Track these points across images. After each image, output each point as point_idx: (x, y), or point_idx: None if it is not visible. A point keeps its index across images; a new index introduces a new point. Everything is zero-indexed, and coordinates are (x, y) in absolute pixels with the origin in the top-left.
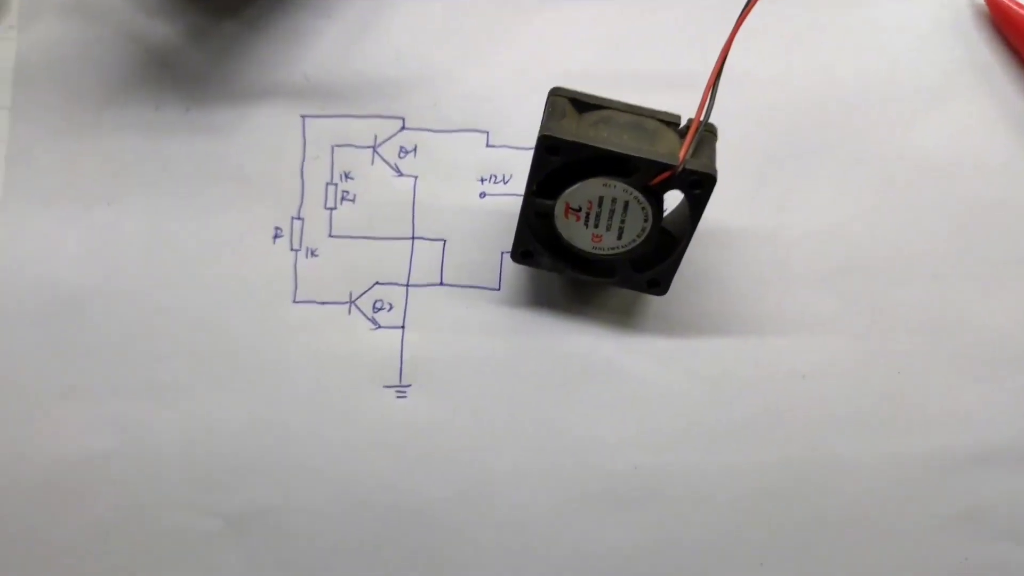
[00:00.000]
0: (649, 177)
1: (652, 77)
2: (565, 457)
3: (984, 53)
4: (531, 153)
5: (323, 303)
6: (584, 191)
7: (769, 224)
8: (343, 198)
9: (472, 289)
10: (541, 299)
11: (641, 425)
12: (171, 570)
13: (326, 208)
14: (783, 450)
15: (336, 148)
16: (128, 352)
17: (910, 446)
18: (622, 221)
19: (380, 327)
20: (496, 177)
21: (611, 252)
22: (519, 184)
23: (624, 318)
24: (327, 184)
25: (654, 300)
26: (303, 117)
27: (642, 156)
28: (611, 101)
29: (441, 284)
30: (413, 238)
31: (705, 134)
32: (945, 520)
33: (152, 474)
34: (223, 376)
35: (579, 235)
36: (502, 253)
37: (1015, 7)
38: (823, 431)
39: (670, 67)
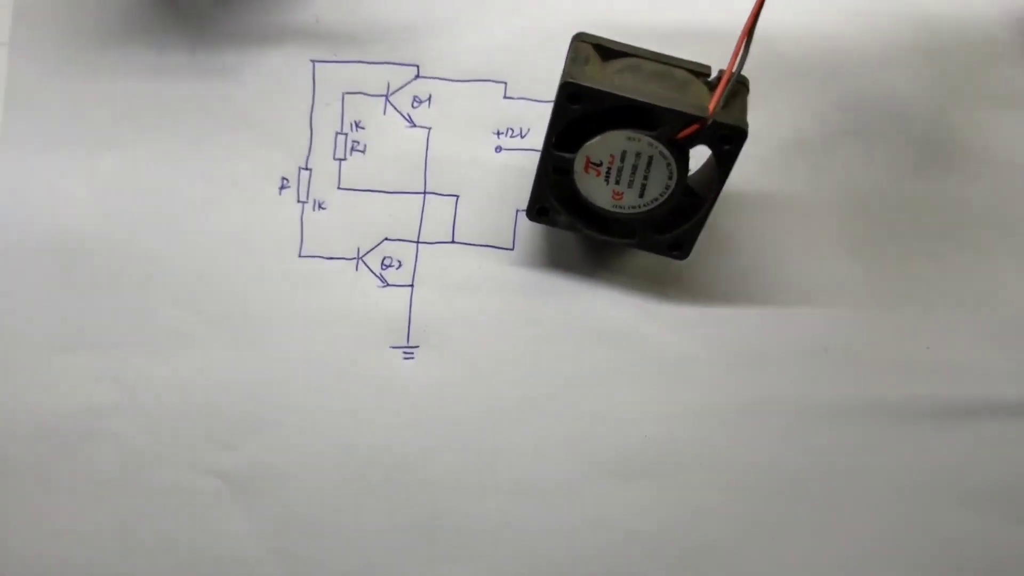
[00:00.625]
0: (676, 130)
1: (681, 27)
2: (575, 425)
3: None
4: (551, 106)
5: (330, 258)
6: (606, 144)
7: (800, 189)
8: (353, 148)
9: (485, 248)
10: (556, 261)
11: (655, 394)
12: (168, 527)
13: (335, 159)
14: (800, 424)
15: (347, 95)
16: (128, 302)
17: (936, 424)
18: (645, 177)
19: (388, 285)
20: (513, 131)
21: (632, 211)
22: (537, 139)
23: (642, 283)
24: (336, 133)
25: (674, 265)
26: (313, 62)
27: (669, 107)
28: (638, 49)
29: (452, 242)
30: (425, 193)
31: (737, 86)
32: (969, 498)
33: (152, 429)
34: (225, 330)
35: (599, 192)
36: (517, 211)
37: None
38: (843, 406)
39: (701, 16)
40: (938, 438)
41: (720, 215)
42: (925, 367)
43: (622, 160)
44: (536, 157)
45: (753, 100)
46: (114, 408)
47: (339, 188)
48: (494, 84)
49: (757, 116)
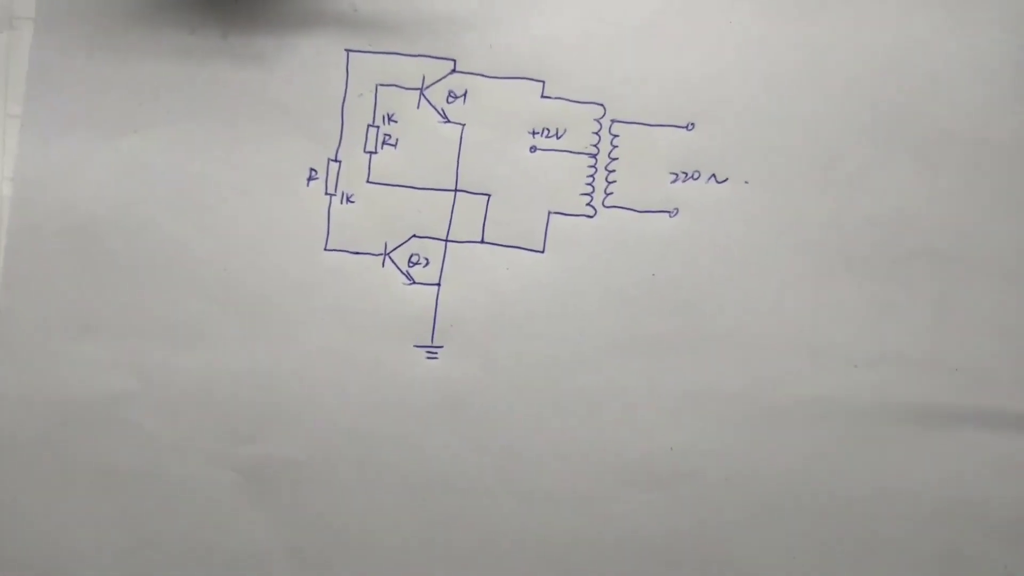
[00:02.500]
0: None
1: (726, 30)
2: (599, 433)
3: None
4: (588, 108)
5: (356, 253)
6: None
7: (836, 205)
8: (384, 142)
9: (514, 249)
10: (586, 265)
11: (681, 405)
12: (183, 518)
13: (365, 151)
14: (826, 447)
15: (380, 87)
16: (149, 289)
17: (968, 442)
18: None
19: (415, 283)
20: (548, 131)
21: None
22: (573, 140)
23: None
24: (368, 126)
25: (703, 271)
26: (348, 51)
27: None
28: None
29: (482, 242)
30: (456, 190)
31: None
32: (996, 526)
33: (169, 419)
34: (246, 321)
35: None
36: (549, 213)
37: None
38: (872, 421)
39: (749, 20)
40: (970, 455)
41: (755, 232)
42: (956, 387)
43: None
44: (570, 158)
45: (792, 115)
46: (132, 396)
47: (368, 182)
48: (532, 83)
49: (796, 133)
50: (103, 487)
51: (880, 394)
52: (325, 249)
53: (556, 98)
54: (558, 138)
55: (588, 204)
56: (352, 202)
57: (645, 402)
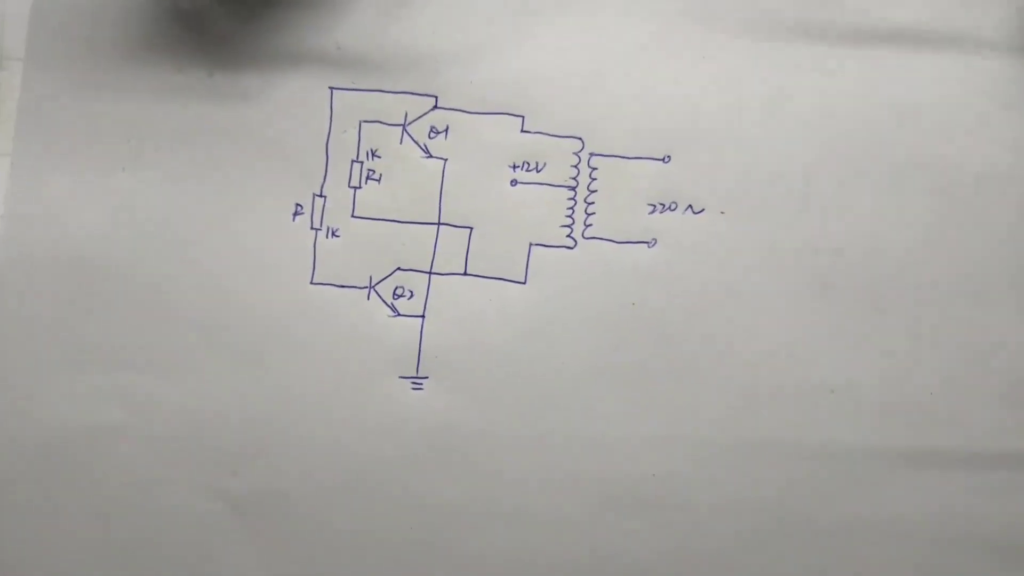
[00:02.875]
0: None
1: (701, 64)
2: (581, 461)
3: None
4: (567, 142)
5: (341, 286)
6: None
7: (810, 232)
8: (368, 177)
9: (497, 281)
10: (567, 295)
11: (662, 431)
12: (172, 552)
13: (350, 186)
14: (807, 465)
15: (364, 124)
16: (137, 323)
17: (942, 470)
18: None
19: (399, 315)
20: (529, 164)
21: None
22: (552, 174)
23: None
24: (353, 161)
25: (682, 300)
26: (332, 89)
27: None
28: None
29: (465, 274)
30: (439, 224)
31: None
32: (976, 548)
33: (158, 451)
34: (235, 354)
35: None
36: (530, 245)
37: None
38: (850, 448)
39: (723, 55)
40: (944, 485)
41: (733, 262)
42: (930, 413)
43: None
44: (551, 191)
45: (765, 151)
46: (120, 428)
47: (353, 216)
48: (512, 117)
49: (769, 167)
50: (91, 516)
51: (858, 420)
52: (311, 283)
53: (536, 132)
54: (538, 171)
55: (568, 236)
56: (337, 236)
57: (627, 429)
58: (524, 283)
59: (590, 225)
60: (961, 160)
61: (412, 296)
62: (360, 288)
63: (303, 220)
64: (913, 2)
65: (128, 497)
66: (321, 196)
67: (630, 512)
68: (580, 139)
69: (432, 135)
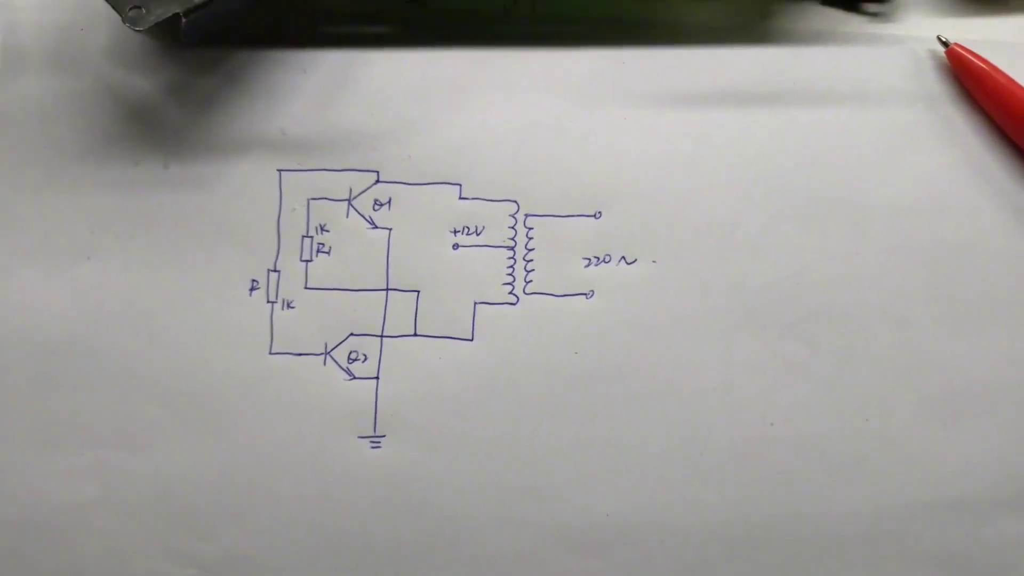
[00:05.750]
0: None
1: (623, 126)
2: (537, 505)
3: (946, 103)
4: (503, 205)
5: (299, 354)
6: None
7: (737, 273)
8: (319, 250)
9: (445, 340)
10: (513, 348)
11: (612, 473)
12: None
13: (302, 260)
14: (753, 498)
15: (312, 201)
16: (106, 401)
17: (880, 494)
18: None
19: (355, 378)
20: (469, 229)
21: None
22: (491, 236)
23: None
24: (303, 237)
25: (622, 346)
26: (280, 171)
27: None
28: None
29: (415, 335)
30: (387, 289)
31: None
32: (916, 570)
33: (131, 522)
34: (200, 426)
35: None
36: (475, 303)
37: (974, 59)
38: (793, 479)
39: (644, 117)
40: (883, 505)
41: (664, 297)
42: (867, 438)
43: None
44: (491, 252)
45: (691, 191)
46: (93, 503)
47: (306, 288)
48: (450, 186)
49: (695, 206)
50: None
51: (797, 449)
52: (270, 352)
53: (473, 199)
54: (478, 235)
55: (510, 292)
56: (292, 308)
57: (579, 471)
58: (471, 340)
59: (530, 281)
60: (873, 197)
61: (366, 359)
62: (316, 355)
63: (259, 295)
64: (819, 61)
65: (104, 568)
66: (275, 271)
67: (589, 552)
68: (515, 202)
69: (376, 207)
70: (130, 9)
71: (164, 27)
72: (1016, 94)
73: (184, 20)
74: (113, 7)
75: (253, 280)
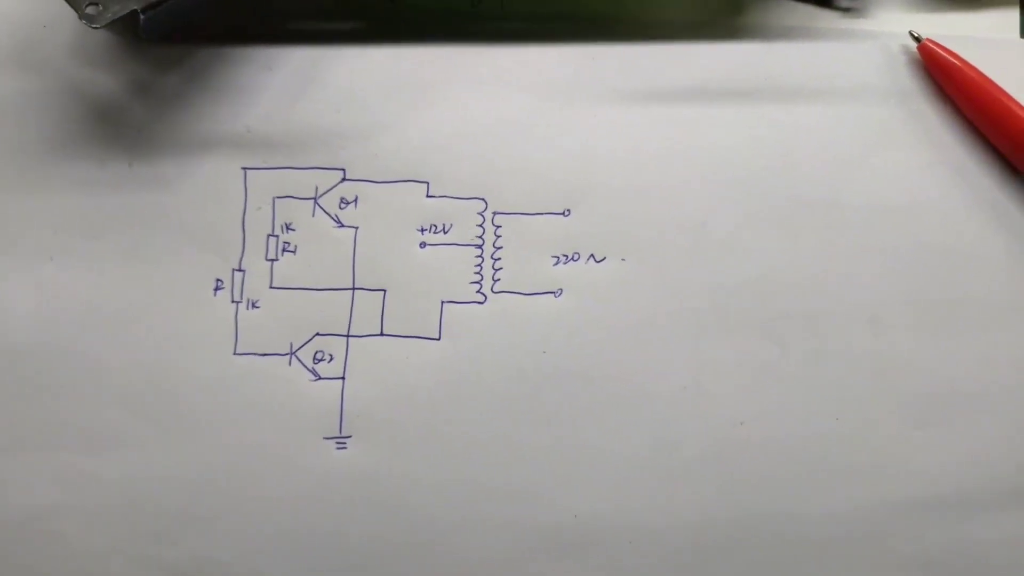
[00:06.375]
0: None
1: (593, 123)
2: (506, 506)
3: (919, 99)
4: (471, 203)
5: (264, 355)
6: None
7: (708, 273)
8: (284, 249)
9: (412, 339)
10: (481, 348)
11: (582, 473)
12: None
13: (267, 259)
14: (723, 498)
15: (277, 200)
16: (69, 404)
17: (852, 494)
18: None
19: (321, 378)
20: (436, 227)
21: None
22: (459, 234)
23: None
24: (268, 236)
25: (591, 345)
26: (244, 169)
27: None
28: None
29: (381, 335)
30: (354, 288)
31: None
32: (889, 571)
33: (95, 527)
34: (164, 428)
35: None
36: (442, 302)
37: (945, 55)
38: (763, 479)
39: (614, 114)
40: (859, 506)
41: (634, 298)
42: (837, 439)
43: None
44: (459, 251)
45: (660, 191)
46: (57, 508)
47: (271, 287)
48: (417, 184)
49: (664, 207)
50: None
51: (767, 450)
52: (234, 353)
53: (440, 196)
54: (445, 233)
55: (478, 291)
56: (257, 307)
57: (547, 472)
58: (439, 339)
59: (498, 280)
60: (845, 195)
61: (332, 359)
62: (282, 355)
63: (224, 295)
64: (790, 57)
65: (69, 574)
66: (240, 270)
67: (558, 554)
68: (483, 200)
69: (342, 206)
70: (87, 6)
71: (126, 24)
72: (988, 90)
73: (142, 16)
74: (70, 4)
75: (218, 279)
